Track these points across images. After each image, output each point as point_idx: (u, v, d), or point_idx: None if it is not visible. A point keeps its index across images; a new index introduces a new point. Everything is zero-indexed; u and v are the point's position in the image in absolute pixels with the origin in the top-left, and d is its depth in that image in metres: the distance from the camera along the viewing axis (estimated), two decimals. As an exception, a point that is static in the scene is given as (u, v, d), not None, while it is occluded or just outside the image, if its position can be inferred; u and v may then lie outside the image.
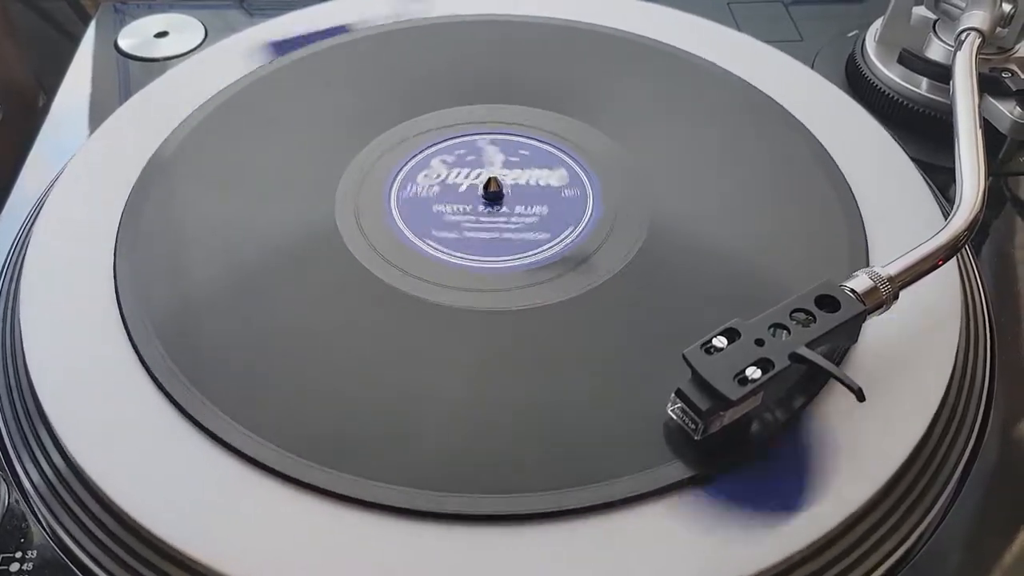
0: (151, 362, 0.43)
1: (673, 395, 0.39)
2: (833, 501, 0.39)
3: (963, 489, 0.43)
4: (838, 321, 0.40)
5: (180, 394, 0.41)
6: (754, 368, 0.38)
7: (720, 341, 0.39)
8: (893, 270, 0.42)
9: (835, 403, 0.42)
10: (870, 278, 0.41)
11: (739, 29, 0.66)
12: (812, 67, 0.64)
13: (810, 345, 0.39)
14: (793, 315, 0.40)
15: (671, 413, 0.40)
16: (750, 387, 0.37)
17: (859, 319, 0.41)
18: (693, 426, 0.39)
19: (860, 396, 0.38)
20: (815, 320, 0.40)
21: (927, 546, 0.41)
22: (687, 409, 0.39)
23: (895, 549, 0.40)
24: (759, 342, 0.39)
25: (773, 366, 0.38)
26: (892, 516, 0.40)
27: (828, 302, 0.40)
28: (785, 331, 0.39)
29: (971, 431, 0.44)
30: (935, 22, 0.61)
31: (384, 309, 0.46)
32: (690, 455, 0.39)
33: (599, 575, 0.37)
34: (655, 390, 0.40)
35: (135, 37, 0.67)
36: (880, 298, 0.41)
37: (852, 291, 0.41)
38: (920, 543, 0.41)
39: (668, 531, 0.38)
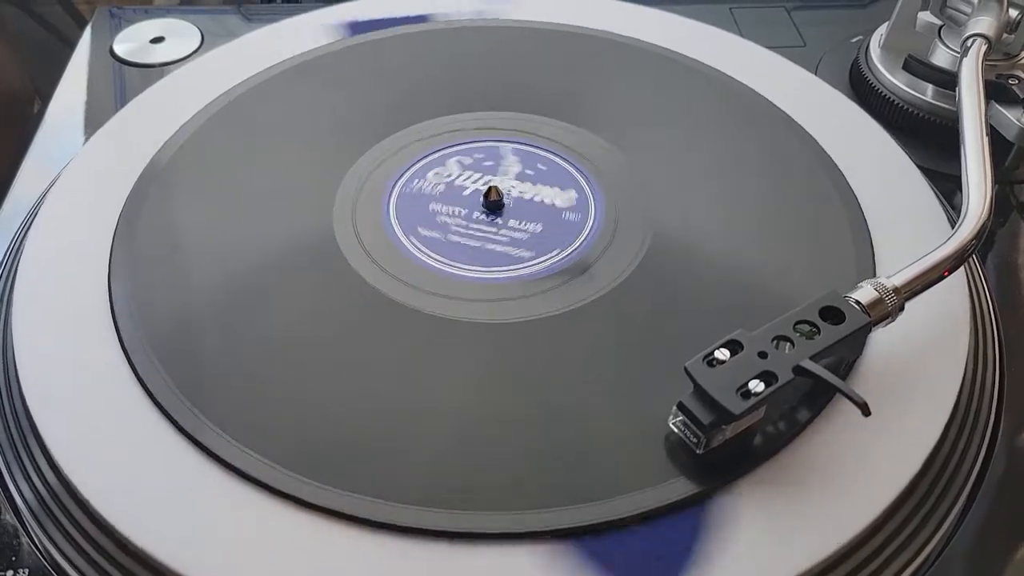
0: (146, 376, 0.42)
1: (675, 408, 0.38)
2: (840, 520, 0.38)
3: (973, 505, 0.42)
4: (843, 333, 0.39)
5: (175, 409, 0.41)
6: (757, 381, 0.37)
7: (723, 353, 0.38)
8: (899, 281, 0.41)
9: (841, 418, 0.41)
10: (875, 289, 0.41)
11: (741, 34, 0.65)
12: (815, 73, 0.63)
13: (814, 358, 0.38)
14: (797, 327, 0.39)
15: (672, 426, 0.39)
16: (753, 401, 0.37)
17: (864, 331, 0.40)
18: (695, 440, 0.38)
19: (865, 411, 0.37)
20: (819, 332, 0.39)
21: (936, 565, 0.40)
22: (689, 423, 0.38)
23: (903, 568, 0.39)
24: (762, 355, 0.38)
25: (776, 379, 0.37)
26: (900, 535, 0.39)
27: (833, 314, 0.40)
28: (789, 343, 0.39)
29: (980, 446, 0.43)
30: (940, 28, 0.60)
31: (382, 320, 0.45)
32: (687, 465, 0.39)
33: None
34: (658, 403, 0.40)
35: (131, 42, 0.66)
36: (886, 309, 0.41)
37: (857, 302, 0.40)
38: (928, 562, 0.40)
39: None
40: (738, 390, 0.37)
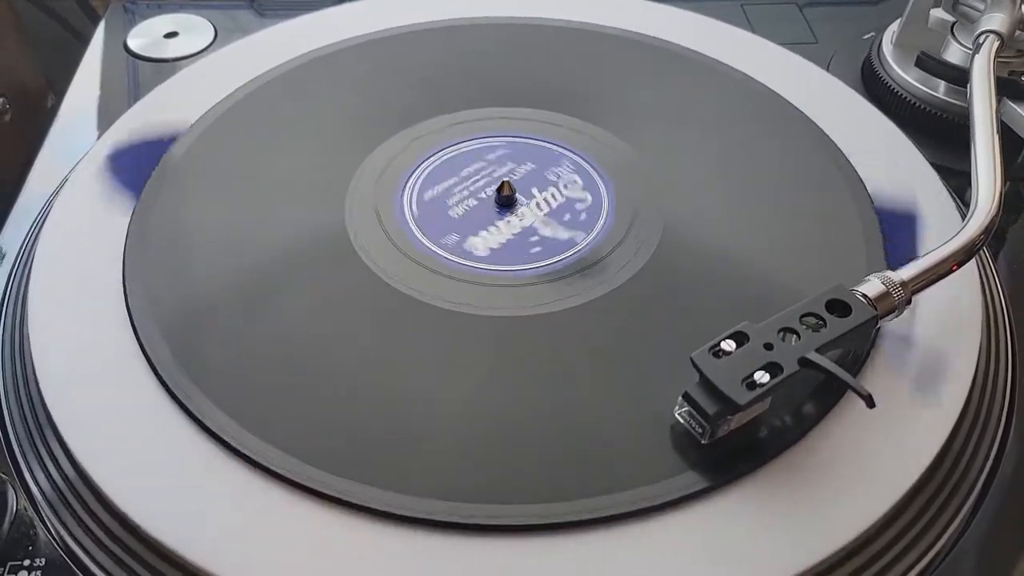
0: (161, 368, 0.42)
1: (680, 398, 0.39)
2: (847, 516, 0.38)
3: (984, 502, 0.42)
4: (849, 326, 0.39)
5: (190, 401, 0.41)
6: (762, 372, 0.37)
7: (728, 345, 0.38)
8: (906, 275, 0.41)
9: (852, 414, 0.41)
10: (882, 283, 0.41)
11: (753, 31, 0.65)
12: (827, 70, 0.63)
13: (820, 350, 0.38)
14: (803, 319, 0.39)
15: (678, 416, 0.39)
16: (758, 392, 0.37)
17: (870, 324, 0.40)
18: (700, 430, 0.38)
19: (870, 402, 0.37)
20: (826, 325, 0.39)
21: (946, 562, 0.40)
22: (694, 413, 0.38)
23: (913, 565, 0.39)
24: (768, 346, 0.38)
25: (782, 371, 0.37)
26: (909, 532, 0.39)
27: (839, 307, 0.40)
28: (795, 335, 0.39)
29: (992, 442, 0.43)
30: (953, 24, 0.60)
31: (392, 314, 0.45)
32: (696, 460, 0.39)
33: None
34: (667, 394, 0.40)
35: (144, 37, 0.67)
36: (892, 303, 0.40)
37: (864, 296, 0.40)
38: (939, 559, 0.40)
39: (677, 540, 0.37)
40: (743, 381, 0.37)
